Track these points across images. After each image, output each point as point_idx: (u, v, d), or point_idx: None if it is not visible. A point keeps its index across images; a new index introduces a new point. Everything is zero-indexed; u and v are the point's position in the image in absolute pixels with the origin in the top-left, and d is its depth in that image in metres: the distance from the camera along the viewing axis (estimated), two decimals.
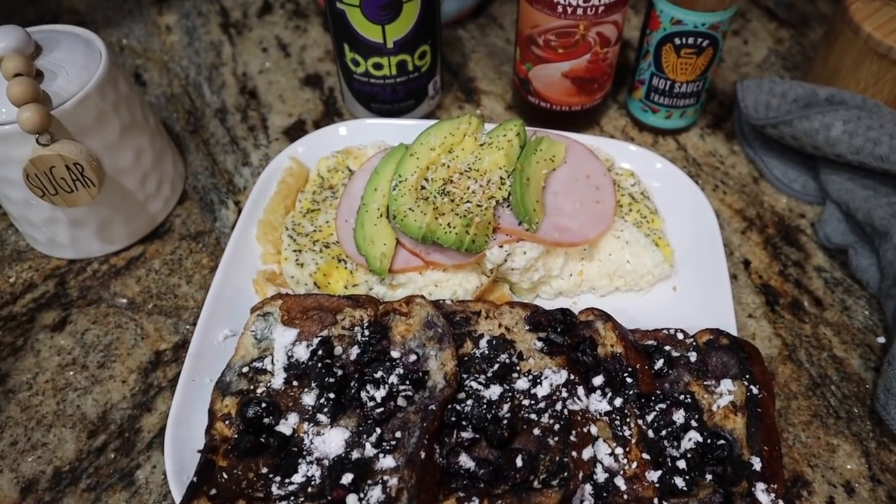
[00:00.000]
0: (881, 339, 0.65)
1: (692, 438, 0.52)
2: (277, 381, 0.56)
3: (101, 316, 0.68)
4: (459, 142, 0.66)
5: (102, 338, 0.67)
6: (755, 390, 0.54)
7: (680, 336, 0.58)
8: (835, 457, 0.58)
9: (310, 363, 0.56)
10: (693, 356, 0.57)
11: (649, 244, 0.64)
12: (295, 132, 0.83)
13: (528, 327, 0.56)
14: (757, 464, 0.50)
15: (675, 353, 0.57)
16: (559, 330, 0.56)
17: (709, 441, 0.52)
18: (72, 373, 0.64)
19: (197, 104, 0.87)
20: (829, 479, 0.57)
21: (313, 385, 0.55)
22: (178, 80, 0.90)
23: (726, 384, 0.55)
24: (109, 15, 1.00)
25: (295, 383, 0.56)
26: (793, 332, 0.66)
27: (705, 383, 0.55)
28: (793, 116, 0.71)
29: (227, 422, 0.55)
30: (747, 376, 0.55)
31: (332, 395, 0.54)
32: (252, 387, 0.56)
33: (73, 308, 0.69)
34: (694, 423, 0.53)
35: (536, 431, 0.51)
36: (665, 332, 0.59)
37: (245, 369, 0.57)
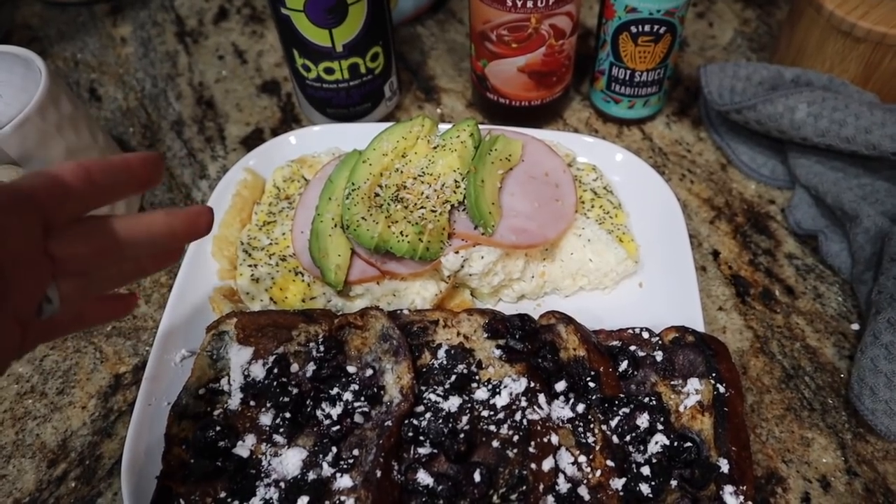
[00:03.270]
0: (855, 326, 0.63)
1: (658, 442, 0.50)
2: (234, 402, 0.54)
3: (59, 341, 0.67)
4: (412, 145, 0.64)
5: (61, 363, 0.65)
6: (722, 389, 0.52)
7: (645, 335, 0.56)
8: (809, 451, 0.57)
9: (266, 382, 0.54)
10: (659, 355, 0.55)
11: (612, 241, 0.62)
12: (253, 141, 0.81)
13: (486, 335, 0.55)
14: (725, 466, 0.49)
15: (640, 354, 0.55)
16: (518, 336, 0.54)
17: (675, 444, 0.50)
18: (30, 401, 0.63)
19: (153, 117, 0.86)
20: (803, 473, 0.56)
21: (269, 405, 0.53)
22: (134, 94, 0.88)
23: (693, 383, 0.53)
24: (63, 29, 0.98)
25: (252, 403, 0.54)
26: (764, 323, 0.64)
27: (672, 383, 0.54)
28: (756, 101, 0.70)
29: (183, 446, 0.53)
30: (714, 374, 0.53)
31: (287, 415, 0.52)
32: (209, 409, 0.55)
33: None
34: (660, 426, 0.51)
35: (495, 444, 0.49)
36: (630, 331, 0.57)
37: (201, 391, 0.55)
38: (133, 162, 0.42)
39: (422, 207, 0.59)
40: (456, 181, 0.60)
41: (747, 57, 0.88)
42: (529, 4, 0.65)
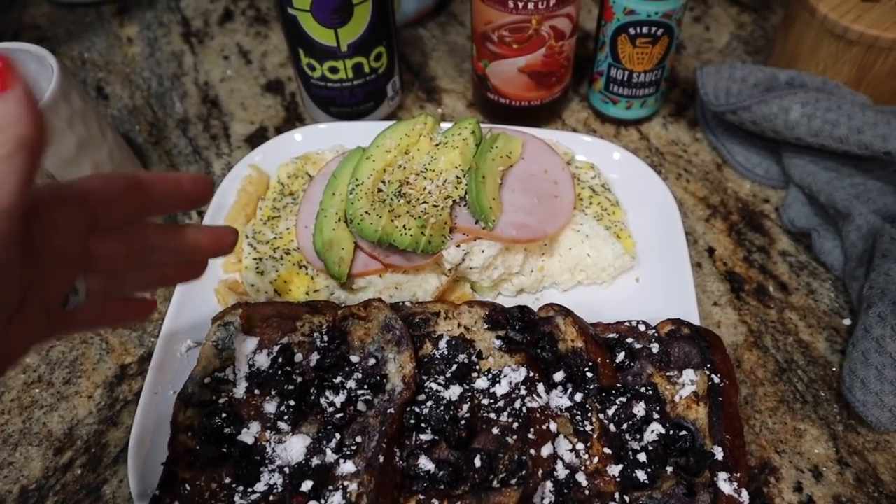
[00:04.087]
0: (847, 321, 0.65)
1: (654, 430, 0.52)
2: (240, 391, 0.55)
3: None
4: (415, 142, 0.65)
5: (68, 354, 0.66)
6: (717, 379, 0.54)
7: (642, 328, 0.58)
8: (802, 442, 0.58)
9: (271, 371, 0.56)
10: (655, 347, 0.56)
11: (609, 237, 0.63)
12: (257, 139, 0.83)
13: (486, 326, 0.56)
14: (719, 453, 0.50)
15: (637, 346, 0.57)
16: (518, 327, 0.55)
17: (671, 432, 0.52)
18: (37, 390, 0.64)
19: (159, 115, 0.87)
20: (796, 464, 0.57)
21: (274, 393, 0.55)
22: (141, 92, 0.90)
23: (688, 374, 0.55)
24: (71, 29, 0.99)
25: (257, 392, 0.55)
26: (758, 318, 0.65)
27: (668, 374, 0.55)
28: (751, 102, 0.71)
29: (189, 433, 0.54)
30: (709, 365, 0.54)
31: (292, 403, 0.54)
32: (214, 397, 0.56)
33: None
34: (656, 415, 0.53)
35: (495, 431, 0.51)
36: (627, 324, 0.58)
37: (207, 380, 0.57)
38: (185, 181, 0.44)
39: (424, 202, 0.60)
40: (458, 177, 0.62)
41: (743, 60, 0.89)
42: (530, 6, 0.66)
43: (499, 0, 0.67)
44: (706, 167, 0.77)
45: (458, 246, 0.60)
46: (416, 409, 0.52)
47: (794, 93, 0.70)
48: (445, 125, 0.70)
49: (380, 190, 0.62)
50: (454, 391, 0.53)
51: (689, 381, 0.54)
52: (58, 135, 0.65)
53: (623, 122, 0.81)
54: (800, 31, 0.77)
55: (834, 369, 0.62)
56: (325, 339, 0.56)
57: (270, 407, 0.54)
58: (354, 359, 0.55)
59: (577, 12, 0.70)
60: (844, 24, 0.72)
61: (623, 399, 0.53)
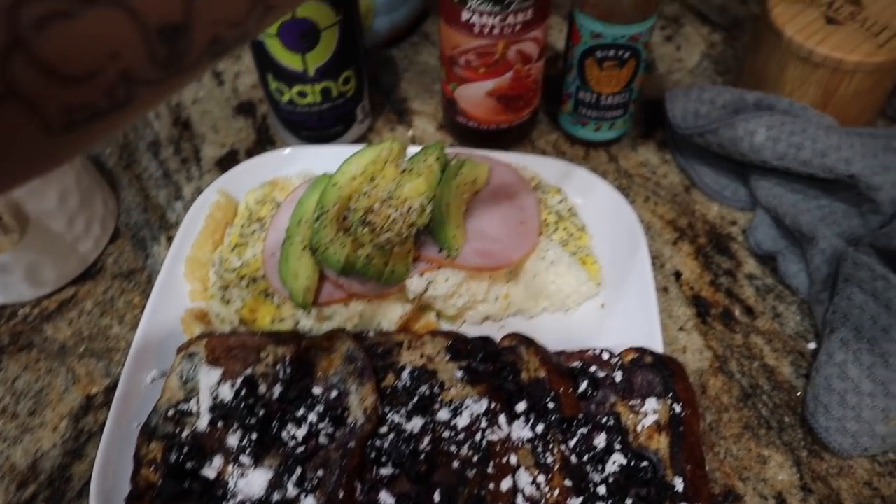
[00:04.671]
0: (812, 345, 0.65)
1: (616, 461, 0.52)
2: (203, 423, 0.55)
3: (31, 361, 0.67)
4: (381, 169, 0.65)
5: (33, 384, 0.66)
6: (678, 408, 0.54)
7: (605, 356, 0.58)
8: (766, 468, 0.58)
9: (234, 403, 0.56)
10: (619, 376, 0.57)
11: (574, 263, 0.64)
12: (227, 162, 0.82)
13: (449, 356, 0.56)
14: (679, 484, 0.50)
15: (600, 374, 0.57)
16: (480, 357, 0.55)
17: (632, 463, 0.52)
18: (1, 422, 0.63)
19: (130, 137, 0.87)
20: (760, 491, 0.57)
21: (237, 426, 0.54)
22: None
23: (651, 403, 0.55)
24: None
25: (220, 424, 0.55)
26: (724, 342, 0.66)
27: (631, 403, 0.55)
28: (718, 125, 0.72)
29: (152, 467, 0.54)
30: (671, 394, 0.55)
31: (254, 436, 0.53)
32: (178, 430, 0.56)
33: (4, 354, 0.68)
34: (618, 446, 0.53)
35: (455, 464, 0.50)
36: (591, 352, 0.59)
37: (171, 412, 0.56)
38: None
39: (388, 231, 0.60)
40: (422, 204, 0.62)
41: (713, 80, 0.90)
42: (496, 31, 0.66)
43: (464, 25, 0.67)
44: (674, 189, 0.78)
45: (422, 275, 0.60)
46: (378, 443, 0.52)
47: (760, 116, 0.71)
48: (414, 149, 0.70)
49: (345, 218, 0.62)
50: (416, 423, 0.53)
51: (652, 409, 0.54)
52: None
53: (592, 143, 0.82)
54: (767, 53, 0.78)
55: (798, 394, 0.62)
56: (289, 370, 0.56)
57: (233, 440, 0.54)
58: (317, 391, 0.55)
59: (544, 36, 0.70)
60: (809, 47, 0.72)
61: (585, 430, 0.53)
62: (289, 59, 0.70)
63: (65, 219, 0.70)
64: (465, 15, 0.66)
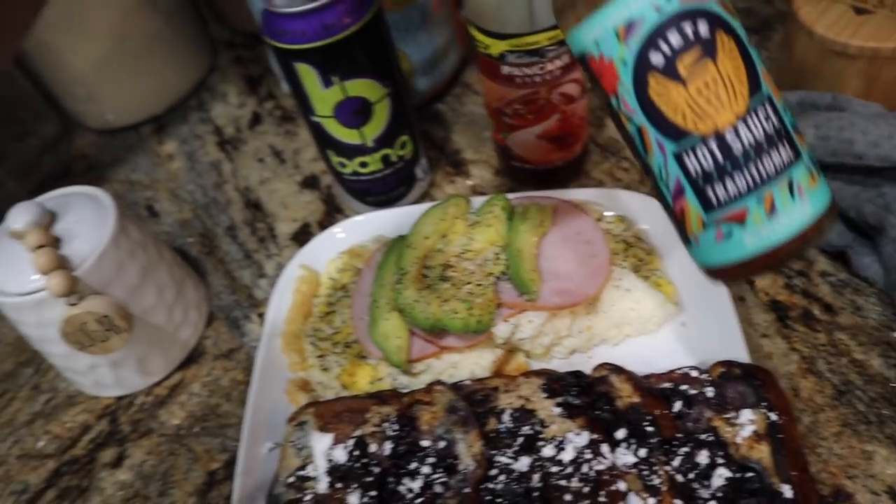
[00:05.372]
0: None
1: (722, 475, 0.53)
2: (322, 486, 0.59)
3: (153, 446, 0.72)
4: (451, 226, 0.69)
5: (158, 466, 0.71)
6: (774, 416, 0.55)
7: (694, 373, 0.60)
8: (872, 464, 0.59)
9: (348, 464, 0.59)
10: (710, 391, 0.58)
11: (649, 287, 0.66)
12: (302, 236, 0.87)
13: (545, 395, 0.59)
14: (788, 491, 0.52)
15: (691, 392, 0.59)
16: (574, 392, 0.58)
17: (738, 475, 0.53)
18: None
19: (208, 225, 0.92)
20: (870, 487, 0.58)
21: (355, 485, 0.58)
22: (188, 205, 0.96)
23: (746, 414, 0.56)
24: (116, 154, 1.07)
25: (339, 485, 0.58)
26: (808, 343, 0.67)
27: (726, 416, 0.57)
28: None
29: None
30: (764, 403, 0.56)
31: (373, 493, 0.57)
32: (300, 495, 0.59)
33: (128, 442, 0.73)
34: (720, 459, 0.54)
35: (568, 497, 0.53)
36: (679, 372, 0.60)
37: (291, 479, 0.60)
38: None
39: (468, 283, 0.63)
40: (496, 254, 0.65)
41: None
42: (537, 80, 0.70)
43: (506, 79, 0.71)
44: None
45: (507, 320, 0.63)
46: (490, 485, 0.55)
47: (806, 116, 0.72)
48: (478, 199, 0.74)
49: (425, 276, 0.66)
50: (524, 462, 0.56)
51: (748, 420, 0.56)
52: (123, 267, 0.70)
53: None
54: (801, 52, 0.79)
55: (892, 385, 0.63)
56: (395, 427, 0.60)
57: (354, 499, 0.57)
58: (425, 443, 0.58)
59: (583, 76, 0.74)
60: (843, 41, 0.74)
61: (686, 448, 0.55)
62: (347, 135, 0.75)
63: (164, 311, 0.75)
64: (505, 69, 0.70)
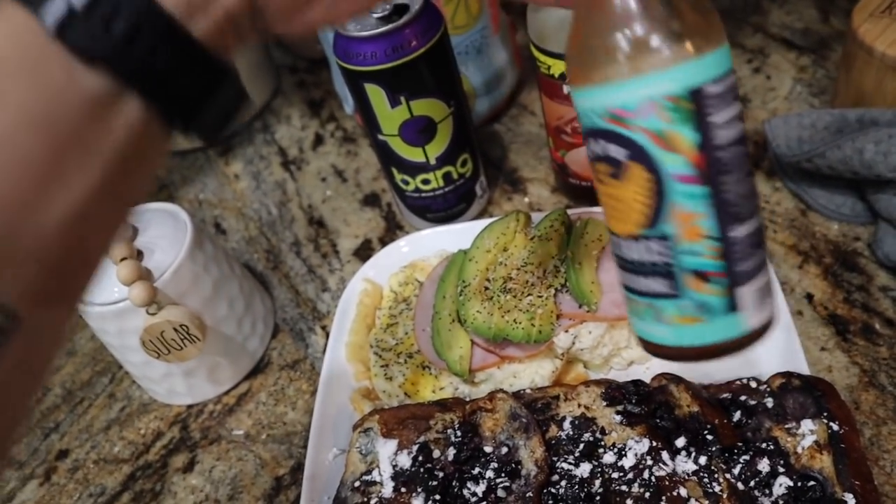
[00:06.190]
0: None
1: (783, 483, 0.54)
2: (387, 490, 0.61)
3: (223, 452, 0.76)
4: (511, 239, 0.71)
5: (227, 472, 0.74)
6: (835, 427, 0.56)
7: (753, 384, 0.61)
8: None
9: (413, 469, 0.61)
10: (770, 402, 0.59)
11: None
12: (364, 252, 0.90)
13: (605, 403, 0.60)
14: (851, 500, 0.52)
15: (751, 402, 0.59)
16: (634, 400, 0.59)
17: (799, 484, 0.54)
18: None
19: (273, 242, 0.96)
20: None
21: (419, 490, 0.60)
22: (254, 223, 1.00)
23: (807, 424, 0.57)
24: (185, 174, 1.12)
25: (403, 490, 0.61)
26: (869, 357, 0.67)
27: (786, 426, 0.58)
28: (824, 148, 0.74)
29: None
30: (825, 414, 0.57)
31: (437, 497, 0.59)
32: (366, 499, 0.62)
33: (198, 448, 0.77)
34: (781, 468, 0.55)
35: (629, 502, 0.54)
36: (738, 382, 0.61)
37: (357, 483, 0.63)
38: None
39: (529, 294, 0.65)
40: (556, 266, 0.67)
41: (810, 103, 0.92)
42: None
43: (566, 97, 0.73)
44: (790, 215, 0.80)
45: (567, 331, 0.65)
46: (552, 490, 0.57)
47: (866, 132, 0.73)
48: (536, 214, 0.76)
49: (486, 288, 0.68)
50: (584, 468, 0.57)
51: (809, 430, 0.56)
52: (198, 279, 0.74)
53: None
54: (860, 70, 0.80)
55: None
56: (459, 433, 0.62)
57: (418, 502, 0.59)
58: (488, 449, 0.60)
59: None
60: None
61: (747, 456, 0.56)
62: (411, 153, 0.78)
63: (235, 322, 0.79)
64: (565, 89, 0.72)
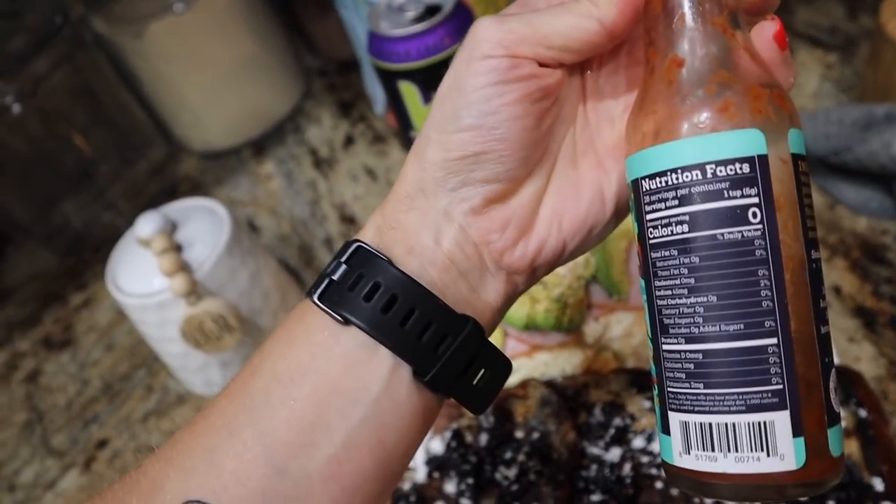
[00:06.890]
0: None
1: None
2: (420, 476, 0.63)
3: None
4: None
5: None
6: (863, 413, 0.56)
7: None
8: None
9: (446, 454, 0.63)
10: None
11: None
12: None
13: (634, 390, 0.61)
14: (879, 485, 0.53)
15: None
16: None
17: None
18: None
19: (305, 239, 0.99)
20: None
21: (452, 474, 0.61)
22: (286, 221, 1.02)
23: None
24: (219, 174, 1.14)
25: (436, 475, 0.62)
26: None
27: None
28: (851, 143, 0.75)
29: None
30: (853, 400, 0.57)
31: (470, 481, 0.60)
32: (399, 485, 0.63)
33: None
34: None
35: (659, 485, 0.55)
36: None
37: None
38: None
39: (559, 286, 0.67)
40: (586, 258, 0.68)
41: (837, 99, 0.92)
42: None
43: None
44: (818, 209, 0.81)
45: (597, 320, 0.66)
46: (584, 473, 0.58)
47: (894, 127, 0.73)
48: None
49: None
50: (615, 453, 0.58)
51: None
52: (235, 272, 0.77)
53: None
54: (888, 67, 0.81)
55: None
56: (491, 419, 0.63)
57: (451, 487, 0.61)
58: (519, 434, 0.62)
59: None
60: None
61: None
62: None
63: (270, 315, 0.81)
64: None
